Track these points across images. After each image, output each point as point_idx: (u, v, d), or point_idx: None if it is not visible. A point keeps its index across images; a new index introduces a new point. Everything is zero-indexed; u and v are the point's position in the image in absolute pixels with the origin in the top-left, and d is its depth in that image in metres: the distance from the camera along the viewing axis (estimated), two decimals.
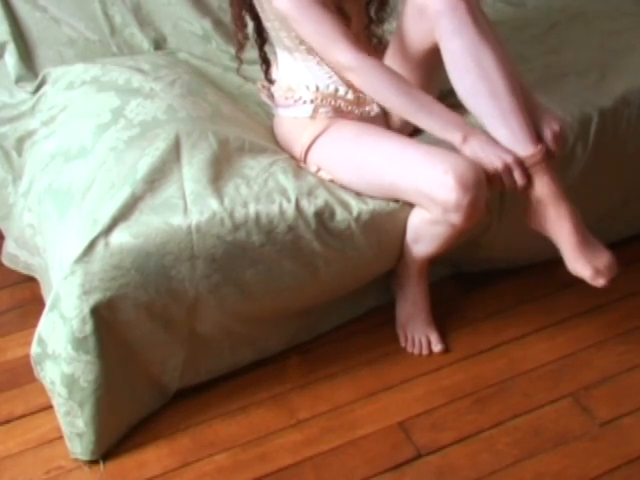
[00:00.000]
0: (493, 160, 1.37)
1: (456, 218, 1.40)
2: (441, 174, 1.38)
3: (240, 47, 1.60)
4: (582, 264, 1.40)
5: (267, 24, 1.52)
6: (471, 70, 1.39)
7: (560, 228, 1.41)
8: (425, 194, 1.42)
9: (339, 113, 1.54)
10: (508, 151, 1.38)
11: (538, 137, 1.41)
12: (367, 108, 1.56)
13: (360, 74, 1.40)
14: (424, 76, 1.54)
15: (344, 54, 1.39)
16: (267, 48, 1.62)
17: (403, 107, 1.42)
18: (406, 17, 1.45)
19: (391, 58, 1.55)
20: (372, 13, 1.58)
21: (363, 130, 1.51)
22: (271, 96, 1.62)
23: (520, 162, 1.37)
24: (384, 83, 1.40)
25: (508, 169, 1.37)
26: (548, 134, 1.43)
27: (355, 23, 1.54)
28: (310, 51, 1.51)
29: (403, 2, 1.50)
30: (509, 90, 1.39)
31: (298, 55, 1.53)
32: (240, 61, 1.64)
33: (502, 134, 1.39)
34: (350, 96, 1.54)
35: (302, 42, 1.50)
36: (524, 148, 1.38)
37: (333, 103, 1.53)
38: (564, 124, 1.47)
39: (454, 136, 1.39)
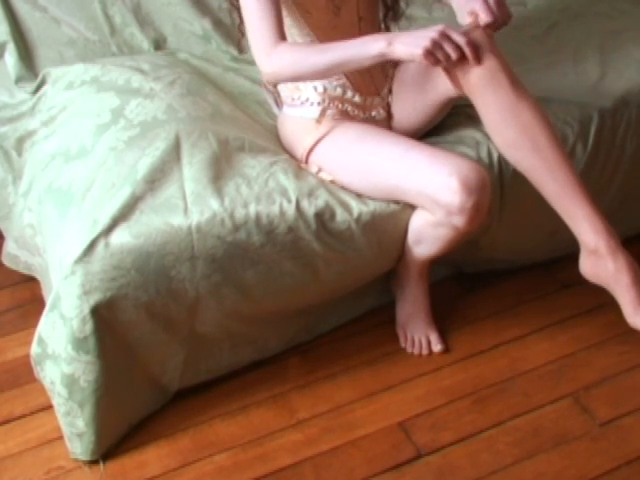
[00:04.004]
0: (420, 43, 1.27)
1: (459, 221, 1.41)
2: (445, 176, 1.38)
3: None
4: None
5: None
6: (510, 125, 1.38)
7: (618, 281, 1.38)
8: (429, 196, 1.42)
9: (345, 115, 1.54)
10: (432, 29, 1.29)
11: None
12: (373, 112, 1.56)
13: (270, 73, 1.41)
14: (431, 117, 1.58)
15: (257, 59, 1.40)
16: None
17: (325, 63, 1.36)
18: (430, 69, 1.43)
19: (404, 91, 1.56)
20: (389, 2, 1.57)
21: (367, 132, 1.51)
22: (276, 93, 1.62)
23: (446, 35, 1.28)
24: (296, 64, 1.37)
25: (436, 44, 1.27)
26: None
27: (368, 23, 1.54)
28: None
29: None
30: (551, 142, 1.38)
31: None
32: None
33: (550, 186, 1.39)
34: (357, 99, 1.54)
35: (313, 42, 1.50)
36: (575, 203, 1.38)
37: (340, 106, 1.53)
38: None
39: (379, 45, 1.30)
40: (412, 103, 1.56)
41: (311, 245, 1.45)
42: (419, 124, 1.59)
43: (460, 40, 1.30)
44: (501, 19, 1.37)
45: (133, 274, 1.34)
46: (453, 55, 1.29)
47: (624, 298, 1.39)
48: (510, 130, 1.38)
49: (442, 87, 1.47)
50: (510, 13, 1.39)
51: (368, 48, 1.32)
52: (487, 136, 1.57)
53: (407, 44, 1.28)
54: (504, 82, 1.36)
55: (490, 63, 1.36)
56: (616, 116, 1.68)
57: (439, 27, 1.29)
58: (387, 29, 1.61)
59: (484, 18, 1.36)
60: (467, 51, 1.31)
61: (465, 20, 1.38)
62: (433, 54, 1.28)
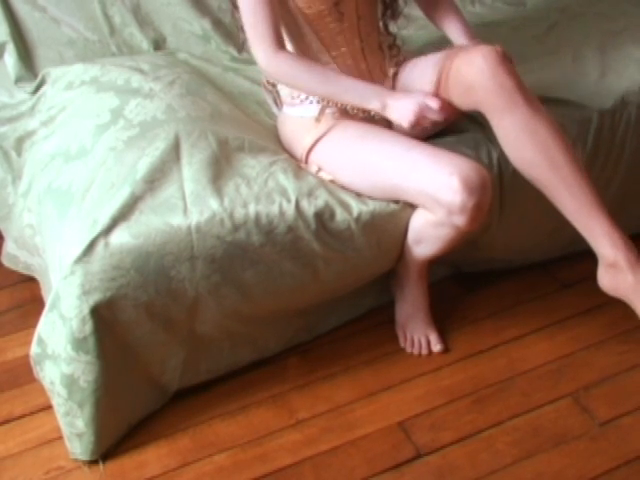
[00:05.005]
0: (406, 115, 1.40)
1: (460, 220, 1.41)
2: (446, 176, 1.39)
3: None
4: None
5: (280, 21, 1.53)
6: (527, 144, 1.41)
7: (638, 293, 1.40)
8: (430, 196, 1.42)
9: (344, 114, 1.54)
10: (414, 97, 1.41)
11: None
12: (372, 112, 1.56)
13: (270, 74, 1.49)
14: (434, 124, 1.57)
15: (259, 55, 1.45)
16: None
17: (323, 92, 1.48)
18: (449, 85, 1.46)
19: None
20: (387, 0, 1.59)
21: (368, 131, 1.51)
22: (276, 93, 1.63)
23: (424, 104, 1.39)
24: (296, 79, 1.46)
25: (420, 114, 1.39)
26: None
27: (367, 22, 1.54)
28: (320, 50, 1.52)
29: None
30: (568, 159, 1.41)
31: (309, 54, 1.53)
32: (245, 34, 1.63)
33: (568, 203, 1.42)
34: None
35: (313, 40, 1.51)
36: (594, 218, 1.41)
37: (339, 104, 1.53)
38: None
39: (375, 105, 1.44)
40: None
41: (311, 245, 1.45)
42: (423, 130, 1.58)
43: (437, 117, 1.41)
44: None
45: (133, 274, 1.34)
46: (438, 118, 1.41)
47: None
48: (527, 149, 1.41)
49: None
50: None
51: (365, 103, 1.45)
52: (487, 137, 1.58)
53: (397, 113, 1.42)
54: (520, 102, 1.40)
55: (507, 84, 1.39)
56: (615, 116, 1.68)
57: (419, 99, 1.40)
58: (385, 27, 1.61)
59: None
60: (445, 114, 1.41)
61: None
62: (419, 124, 1.41)
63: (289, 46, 1.57)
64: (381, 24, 1.62)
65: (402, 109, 1.41)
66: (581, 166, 1.43)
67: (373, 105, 1.44)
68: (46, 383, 1.41)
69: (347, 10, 1.50)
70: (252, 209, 1.41)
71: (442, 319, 1.67)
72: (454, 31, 1.60)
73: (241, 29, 1.59)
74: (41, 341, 1.38)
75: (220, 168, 1.45)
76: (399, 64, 1.61)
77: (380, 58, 1.59)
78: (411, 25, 1.90)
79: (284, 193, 1.44)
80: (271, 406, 1.52)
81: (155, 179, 1.41)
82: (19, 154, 1.69)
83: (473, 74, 1.40)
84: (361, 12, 1.52)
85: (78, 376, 1.36)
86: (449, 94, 1.46)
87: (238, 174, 1.46)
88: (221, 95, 1.70)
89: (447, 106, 1.42)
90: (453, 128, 1.63)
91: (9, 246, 1.71)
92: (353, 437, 1.45)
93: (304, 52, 1.53)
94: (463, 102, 1.46)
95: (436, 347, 1.61)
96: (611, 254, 1.40)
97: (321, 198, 1.46)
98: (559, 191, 1.42)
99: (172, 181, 1.42)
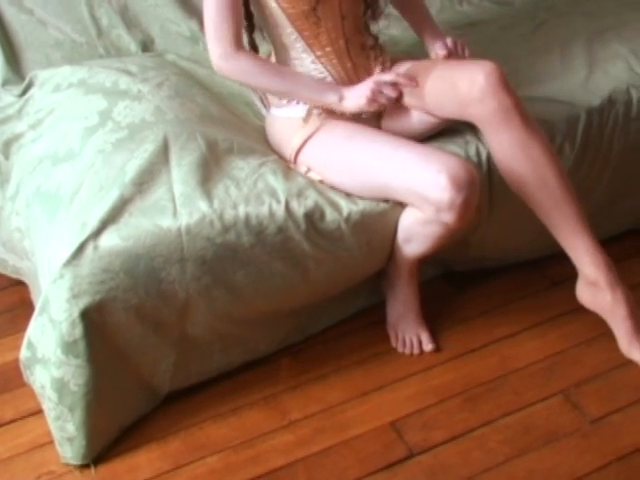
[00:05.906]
0: (363, 93, 1.45)
1: (449, 217, 1.41)
2: (434, 174, 1.39)
3: None
4: (636, 347, 1.48)
5: (263, 21, 1.53)
6: (520, 162, 1.44)
7: (615, 312, 1.47)
8: (418, 194, 1.42)
9: (332, 114, 1.54)
10: (369, 80, 1.46)
11: None
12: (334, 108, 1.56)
13: (225, 73, 1.49)
14: (426, 132, 1.59)
15: (216, 53, 1.46)
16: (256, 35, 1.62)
17: (279, 89, 1.51)
18: (443, 96, 1.47)
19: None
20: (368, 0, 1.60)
21: (356, 131, 1.51)
22: (263, 94, 1.63)
23: (381, 81, 1.45)
24: (252, 76, 1.47)
25: (375, 90, 1.44)
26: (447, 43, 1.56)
27: (351, 22, 1.54)
28: (305, 50, 1.52)
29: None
30: (560, 181, 1.45)
31: (293, 53, 1.53)
32: None
33: (555, 221, 1.46)
34: None
35: (297, 40, 1.51)
36: (579, 237, 1.45)
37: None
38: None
39: (332, 98, 1.48)
40: (408, 119, 1.57)
41: (301, 245, 1.45)
42: (412, 135, 1.58)
43: (391, 78, 1.46)
44: (456, 53, 1.57)
45: (122, 277, 1.34)
46: (392, 94, 1.46)
47: (619, 330, 1.49)
48: (520, 167, 1.44)
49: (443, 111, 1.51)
50: (466, 50, 1.58)
51: (322, 97, 1.49)
52: (476, 135, 1.58)
53: (353, 99, 1.47)
54: (517, 121, 1.42)
55: (506, 105, 1.41)
56: (603, 114, 1.69)
57: (373, 78, 1.47)
58: (366, 26, 1.61)
59: (439, 52, 1.56)
60: (401, 82, 1.46)
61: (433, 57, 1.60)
62: (376, 100, 1.45)
63: (273, 47, 1.57)
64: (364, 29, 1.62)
65: (358, 91, 1.46)
66: (571, 187, 1.46)
67: (330, 98, 1.48)
68: (36, 387, 1.41)
69: (330, 10, 1.50)
70: (242, 210, 1.41)
71: (433, 318, 1.67)
72: (418, 26, 1.67)
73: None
74: (31, 345, 1.38)
75: (209, 170, 1.45)
76: (385, 64, 1.61)
77: (365, 58, 1.59)
78: (398, 26, 1.90)
79: (274, 194, 1.44)
80: (263, 407, 1.51)
81: (144, 181, 1.41)
82: (7, 157, 1.68)
83: (474, 91, 1.41)
84: (345, 12, 1.52)
85: (68, 380, 1.35)
86: (439, 106, 1.48)
87: (227, 176, 1.45)
88: (210, 96, 1.70)
89: (406, 81, 1.46)
90: (443, 127, 1.63)
91: None
92: (345, 437, 1.45)
93: (288, 52, 1.53)
94: (454, 114, 1.48)
95: (427, 346, 1.62)
96: (592, 273, 1.46)
97: (311, 198, 1.46)
98: (547, 209, 1.46)
99: (161, 183, 1.41)
